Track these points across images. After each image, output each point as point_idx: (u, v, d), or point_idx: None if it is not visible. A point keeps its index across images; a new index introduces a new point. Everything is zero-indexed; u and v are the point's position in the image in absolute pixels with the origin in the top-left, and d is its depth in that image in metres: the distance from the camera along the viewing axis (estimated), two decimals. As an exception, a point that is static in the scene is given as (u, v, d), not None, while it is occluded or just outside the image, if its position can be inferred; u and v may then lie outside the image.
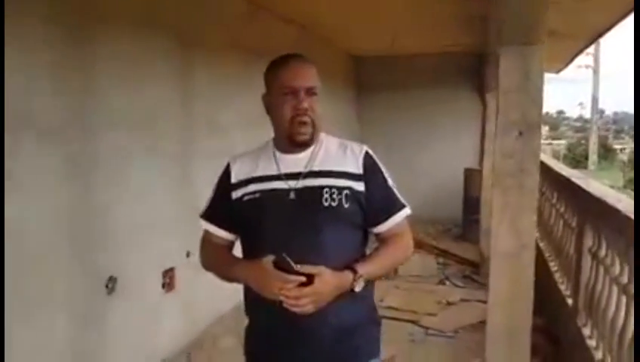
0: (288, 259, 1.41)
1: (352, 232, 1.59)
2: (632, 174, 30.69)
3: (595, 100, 20.59)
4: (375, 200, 1.58)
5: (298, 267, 1.41)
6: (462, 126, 8.48)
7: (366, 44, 7.40)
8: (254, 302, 1.58)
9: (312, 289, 1.40)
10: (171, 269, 3.73)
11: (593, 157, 22.42)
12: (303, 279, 1.40)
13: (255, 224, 1.59)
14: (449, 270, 5.97)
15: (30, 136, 2.53)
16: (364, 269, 1.51)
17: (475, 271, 5.82)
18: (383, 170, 1.64)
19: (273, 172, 1.61)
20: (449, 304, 4.79)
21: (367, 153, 1.62)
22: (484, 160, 5.64)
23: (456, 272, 5.89)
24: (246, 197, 1.60)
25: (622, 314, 2.53)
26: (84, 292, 2.93)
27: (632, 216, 2.40)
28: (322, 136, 1.66)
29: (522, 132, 2.26)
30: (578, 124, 46.98)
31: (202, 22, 4.06)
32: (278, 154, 1.64)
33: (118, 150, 3.16)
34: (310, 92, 1.56)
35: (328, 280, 1.43)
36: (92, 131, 2.97)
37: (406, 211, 1.65)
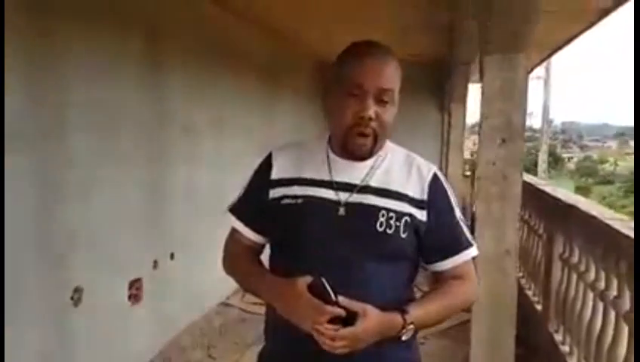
0: (327, 287, 1.17)
1: (403, 266, 1.34)
2: (580, 182, 31.87)
3: (546, 110, 21.19)
4: (437, 234, 1.33)
5: (338, 299, 1.17)
6: (422, 134, 8.59)
7: (331, 49, 7.38)
8: (276, 325, 1.34)
9: (351, 331, 1.15)
10: (138, 280, 3.60)
11: (543, 165, 23.09)
12: (342, 313, 1.16)
13: (291, 234, 1.32)
14: (416, 278, 5.98)
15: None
16: (417, 314, 1.24)
17: (440, 278, 5.86)
18: (452, 198, 1.38)
19: (324, 177, 1.34)
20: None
21: (435, 176, 1.37)
22: (449, 167, 5.71)
23: (422, 279, 5.89)
24: (285, 201, 1.33)
25: (599, 319, 2.57)
26: (50, 303, 2.79)
27: (611, 224, 2.45)
28: (389, 145, 1.40)
29: (505, 139, 2.27)
30: (527, 134, 48.45)
31: (173, 23, 3.96)
32: (332, 156, 1.36)
33: (86, 156, 3.02)
34: (382, 97, 1.27)
35: (373, 324, 1.18)
36: (59, 136, 2.83)
37: (473, 251, 1.38)
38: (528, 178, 4.97)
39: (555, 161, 35.36)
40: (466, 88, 5.42)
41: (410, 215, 1.30)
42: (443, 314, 1.34)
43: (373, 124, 1.27)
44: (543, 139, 24.66)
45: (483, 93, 2.30)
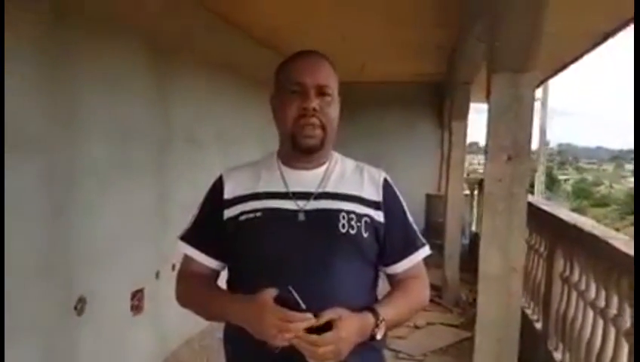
0: (295, 295, 1.15)
1: (366, 269, 1.36)
2: (575, 204, 31.90)
3: (543, 131, 21.35)
4: (393, 235, 1.38)
5: (304, 306, 1.15)
6: (422, 153, 8.67)
7: (338, 66, 7.47)
8: (241, 347, 1.31)
9: (334, 335, 1.14)
10: (140, 290, 3.61)
11: (540, 186, 23.16)
12: (312, 319, 1.14)
13: (252, 249, 1.32)
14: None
15: (7, 148, 2.41)
16: (386, 313, 1.26)
17: (438, 295, 5.87)
18: (402, 200, 1.44)
19: (279, 189, 1.35)
20: (416, 327, 4.81)
21: (386, 179, 1.43)
22: (449, 185, 5.74)
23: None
24: (244, 216, 1.32)
25: (598, 337, 2.59)
26: (54, 312, 2.79)
27: (611, 242, 2.48)
28: (336, 155, 1.44)
29: (511, 156, 2.31)
30: (525, 154, 48.54)
31: (178, 35, 4.01)
32: (284, 168, 1.39)
33: (93, 166, 3.05)
34: (322, 91, 1.32)
35: (352, 325, 1.18)
36: (70, 146, 2.86)
37: (425, 251, 1.44)
38: (530, 197, 5.02)
39: (551, 181, 35.44)
40: (467, 107, 5.49)
41: (369, 216, 1.34)
42: (408, 312, 1.38)
43: (318, 115, 1.31)
44: (540, 160, 24.79)
45: (490, 111, 2.35)
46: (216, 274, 1.43)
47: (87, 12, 2.94)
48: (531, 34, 2.19)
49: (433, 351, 4.30)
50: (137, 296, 3.58)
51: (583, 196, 36.21)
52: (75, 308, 2.96)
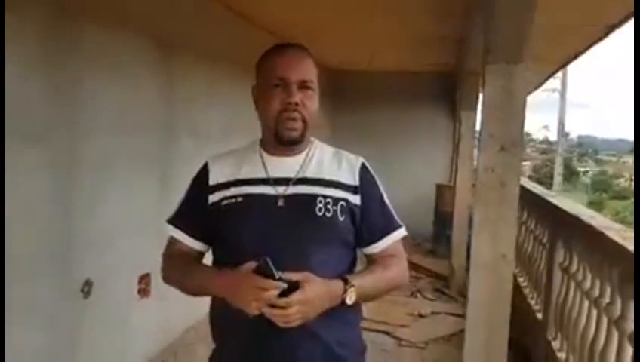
0: (270, 265, 1.22)
1: (343, 250, 1.43)
2: (594, 197, 31.56)
3: (561, 122, 21.15)
4: (370, 217, 1.44)
5: (280, 273, 1.23)
6: (433, 143, 8.65)
7: (345, 58, 7.49)
8: (225, 321, 1.40)
9: (300, 296, 1.22)
10: (147, 275, 3.69)
11: (558, 178, 22.96)
12: (285, 286, 1.22)
13: (234, 233, 1.39)
14: (420, 283, 6.05)
15: (14, 137, 2.49)
16: (356, 281, 1.33)
17: (445, 285, 5.92)
18: (379, 184, 1.51)
19: (260, 175, 1.43)
20: (420, 316, 4.86)
21: (363, 165, 1.50)
22: (458, 176, 5.75)
23: (426, 285, 5.96)
24: (225, 202, 1.41)
25: (592, 327, 2.62)
26: (60, 295, 2.88)
27: (605, 232, 2.50)
28: (316, 142, 1.52)
29: (504, 147, 2.34)
30: (544, 146, 48.19)
31: (182, 26, 4.07)
32: (265, 155, 1.47)
33: (99, 153, 3.13)
34: (304, 85, 1.39)
35: (318, 286, 1.26)
36: (75, 134, 2.93)
37: (402, 232, 1.50)
38: (532, 187, 5.02)
39: (570, 174, 35.12)
40: (476, 97, 5.48)
41: (346, 200, 1.41)
42: (380, 288, 1.44)
43: (300, 108, 1.38)
44: (558, 151, 24.57)
45: (484, 102, 2.38)
46: (200, 255, 1.52)
47: None
48: (523, 25, 2.21)
49: (435, 340, 4.35)
50: (144, 280, 3.66)
51: (602, 189, 35.77)
52: (82, 290, 3.04)
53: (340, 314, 1.34)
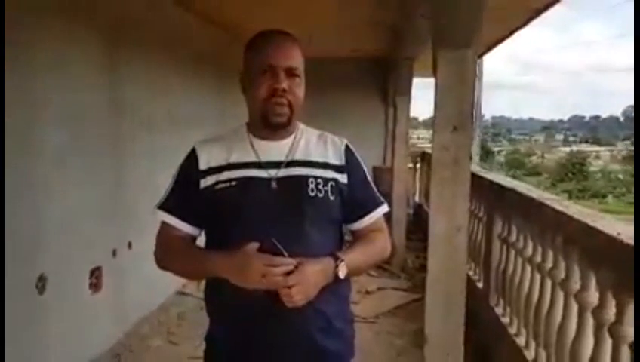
0: (279, 245, 1.29)
1: (333, 227, 1.51)
2: (509, 174, 33.22)
3: (478, 105, 22.09)
4: (357, 195, 1.52)
5: (286, 254, 1.30)
6: (367, 127, 8.87)
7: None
8: (225, 300, 1.44)
9: (298, 274, 1.29)
10: (98, 268, 3.64)
11: (475, 158, 24.05)
12: (294, 263, 1.30)
13: (230, 216, 1.43)
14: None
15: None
16: (345, 256, 1.42)
17: (387, 261, 6.14)
18: (363, 164, 1.58)
19: (251, 159, 1.46)
20: (368, 293, 5.04)
21: (347, 145, 1.56)
22: (395, 158, 5.97)
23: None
24: (219, 185, 1.44)
25: (536, 290, 2.85)
26: (15, 291, 2.79)
27: (546, 202, 2.73)
28: (301, 126, 1.57)
29: (456, 127, 2.50)
30: (460, 128, 49.99)
31: (131, 19, 3.99)
32: (254, 140, 1.50)
33: (49, 146, 3.05)
34: (291, 73, 1.43)
35: (311, 265, 1.33)
36: (22, 126, 2.85)
37: (384, 208, 1.59)
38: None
39: (485, 153, 36.76)
40: (410, 82, 5.69)
41: (335, 180, 1.48)
42: (367, 260, 1.54)
43: (287, 95, 1.43)
44: (475, 132, 25.69)
45: (437, 85, 2.53)
46: (193, 238, 1.54)
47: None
48: (474, 11, 2.37)
49: (384, 314, 4.55)
50: (95, 274, 3.61)
51: (516, 166, 37.79)
52: (37, 286, 2.98)
53: (334, 288, 1.42)
